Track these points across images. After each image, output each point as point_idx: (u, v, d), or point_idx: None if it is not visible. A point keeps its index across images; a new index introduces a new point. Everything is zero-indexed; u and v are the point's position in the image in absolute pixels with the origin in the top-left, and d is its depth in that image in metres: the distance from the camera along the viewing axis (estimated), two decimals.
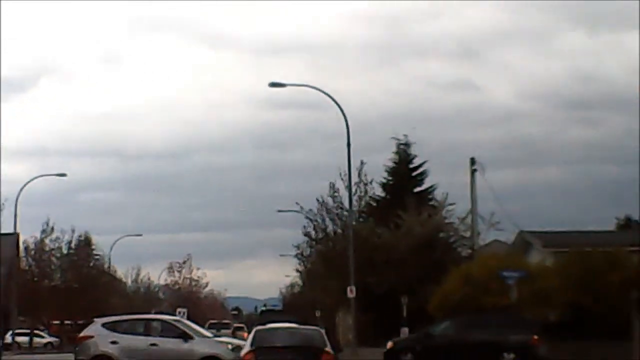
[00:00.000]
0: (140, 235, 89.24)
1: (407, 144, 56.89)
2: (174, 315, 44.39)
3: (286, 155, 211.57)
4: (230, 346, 27.83)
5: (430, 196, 55.57)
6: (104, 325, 28.35)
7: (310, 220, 55.60)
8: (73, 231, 72.75)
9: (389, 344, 34.58)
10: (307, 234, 57.77)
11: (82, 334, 29.02)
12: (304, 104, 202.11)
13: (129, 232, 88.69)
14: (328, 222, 54.91)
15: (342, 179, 49.54)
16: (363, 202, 54.59)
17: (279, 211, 63.49)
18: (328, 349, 21.56)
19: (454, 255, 48.98)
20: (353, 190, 46.50)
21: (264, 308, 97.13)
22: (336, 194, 53.32)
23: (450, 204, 51.33)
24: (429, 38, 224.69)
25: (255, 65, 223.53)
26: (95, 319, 29.17)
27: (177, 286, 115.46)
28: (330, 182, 52.95)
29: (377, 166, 57.19)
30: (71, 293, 70.54)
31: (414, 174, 57.04)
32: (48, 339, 73.21)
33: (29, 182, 61.81)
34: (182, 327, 28.59)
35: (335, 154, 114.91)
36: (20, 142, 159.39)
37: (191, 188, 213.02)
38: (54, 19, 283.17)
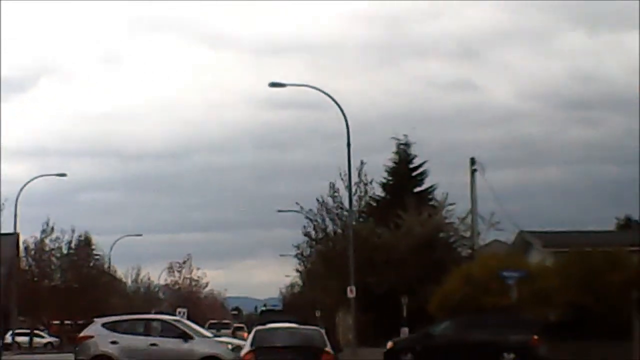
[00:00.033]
0: (140, 235, 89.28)
1: (407, 144, 56.91)
2: (174, 315, 44.39)
3: (286, 155, 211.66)
4: (230, 346, 27.81)
5: (430, 196, 55.55)
6: (104, 325, 28.32)
7: (310, 220, 55.61)
8: (73, 231, 72.84)
9: (389, 344, 34.55)
10: (307, 234, 57.75)
11: (82, 334, 28.99)
12: (304, 104, 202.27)
13: (129, 232, 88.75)
14: (328, 222, 54.89)
15: (342, 179, 49.57)
16: (363, 202, 54.55)
17: (279, 211, 63.54)
18: (328, 349, 21.54)
19: (454, 255, 48.95)
20: (353, 190, 46.47)
21: (263, 308, 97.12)
22: (336, 194, 53.34)
23: (450, 204, 51.38)
24: (429, 38, 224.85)
25: (255, 65, 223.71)
26: (95, 319, 29.15)
27: (177, 286, 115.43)
28: (330, 182, 52.98)
29: (377, 166, 57.24)
30: (71, 293, 70.52)
31: (414, 174, 57.01)
32: (48, 339, 73.19)
33: (28, 182, 61.87)
34: (182, 327, 28.55)
35: (335, 154, 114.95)
36: (20, 142, 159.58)
37: (191, 188, 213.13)
38: (54, 19, 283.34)
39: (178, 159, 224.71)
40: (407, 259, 48.49)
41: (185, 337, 27.90)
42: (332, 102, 41.18)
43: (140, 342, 27.78)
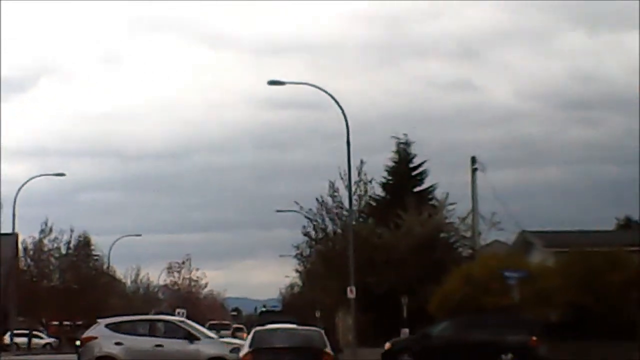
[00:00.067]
0: (139, 235, 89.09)
1: (407, 143, 56.67)
2: (173, 315, 44.21)
3: (286, 155, 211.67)
4: (229, 347, 27.58)
5: (430, 196, 55.34)
6: (107, 326, 28.03)
7: (310, 220, 55.43)
8: (72, 231, 72.73)
9: (387, 345, 34.37)
10: (306, 234, 57.58)
11: (85, 335, 28.66)
12: (304, 104, 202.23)
13: (129, 233, 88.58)
14: (328, 222, 54.73)
15: (342, 178, 49.41)
16: (363, 202, 54.38)
17: (278, 211, 63.33)
18: (328, 349, 21.36)
19: (454, 256, 48.78)
20: (353, 189, 46.31)
21: (263, 309, 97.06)
22: (336, 193, 53.18)
23: (451, 204, 51.16)
24: (429, 38, 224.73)
25: (255, 65, 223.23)
26: (98, 320, 28.85)
27: (176, 287, 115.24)
28: (330, 181, 52.82)
29: (377, 166, 57.04)
30: (70, 294, 70.40)
31: (414, 173, 56.80)
32: (47, 339, 73.03)
33: (26, 182, 61.67)
34: (187, 328, 28.26)
35: (335, 154, 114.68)
36: (20, 142, 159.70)
37: (191, 188, 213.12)
38: (54, 19, 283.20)
39: (178, 159, 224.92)
40: (407, 259, 48.30)
41: (191, 338, 27.61)
42: (332, 102, 41.05)
43: (145, 343, 27.47)
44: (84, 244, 75.54)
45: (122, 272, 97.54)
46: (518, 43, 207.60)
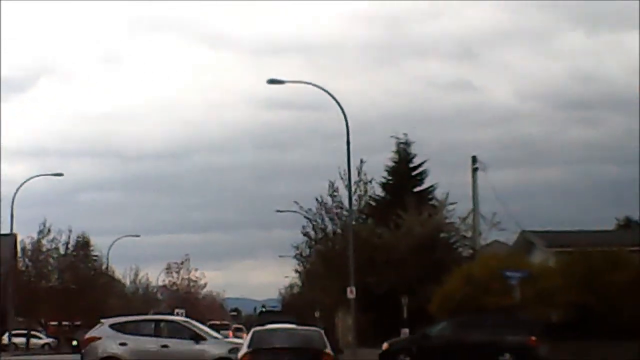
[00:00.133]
0: (138, 236, 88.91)
1: (407, 143, 56.39)
2: (172, 316, 43.99)
3: (286, 155, 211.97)
4: (229, 346, 27.27)
5: (430, 196, 55.09)
6: (111, 326, 27.61)
7: (309, 220, 55.21)
8: (70, 232, 72.55)
9: (385, 346, 34.19)
10: (306, 234, 57.36)
11: (88, 335, 28.23)
12: (303, 104, 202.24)
13: (129, 233, 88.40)
14: (327, 222, 54.51)
15: (341, 178, 49.17)
16: (363, 202, 54.14)
17: (278, 211, 63.12)
18: (328, 350, 21.09)
19: (454, 256, 48.59)
20: (353, 189, 46.08)
21: (262, 309, 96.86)
22: (335, 193, 52.95)
23: (451, 203, 50.95)
24: (429, 38, 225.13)
25: (255, 65, 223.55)
26: (102, 320, 28.46)
27: (174, 287, 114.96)
28: (330, 181, 52.59)
29: (377, 166, 56.77)
30: (69, 294, 70.25)
31: (414, 173, 56.53)
32: (45, 339, 72.85)
33: (25, 182, 61.44)
34: (193, 329, 27.91)
35: (335, 154, 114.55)
36: (20, 142, 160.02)
37: (191, 188, 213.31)
38: (54, 19, 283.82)
39: (178, 159, 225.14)
40: (407, 259, 48.07)
41: (197, 338, 27.26)
42: (332, 102, 40.75)
43: (150, 343, 27.05)
44: (83, 244, 75.40)
45: (121, 272, 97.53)
46: (518, 43, 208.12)
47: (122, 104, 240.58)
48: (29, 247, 69.36)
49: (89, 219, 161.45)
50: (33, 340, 69.87)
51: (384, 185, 56.50)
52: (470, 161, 42.70)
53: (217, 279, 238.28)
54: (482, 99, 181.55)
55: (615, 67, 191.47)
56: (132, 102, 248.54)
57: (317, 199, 54.26)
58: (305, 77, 43.32)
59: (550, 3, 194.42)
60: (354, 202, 47.98)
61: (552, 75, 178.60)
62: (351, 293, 39.23)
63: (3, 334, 61.23)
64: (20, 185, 60.50)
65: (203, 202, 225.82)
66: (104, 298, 75.96)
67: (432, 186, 56.12)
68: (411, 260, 47.91)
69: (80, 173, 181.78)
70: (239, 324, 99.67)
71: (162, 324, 28.38)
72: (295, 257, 68.67)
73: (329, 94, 40.79)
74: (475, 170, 42.34)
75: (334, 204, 53.47)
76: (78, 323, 74.99)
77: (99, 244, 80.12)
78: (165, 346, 27.02)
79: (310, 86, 41.61)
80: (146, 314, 55.93)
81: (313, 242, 58.59)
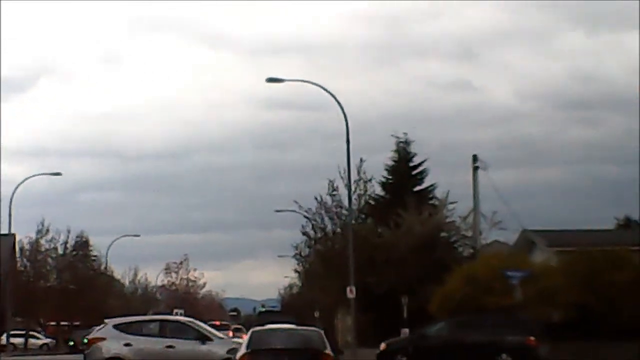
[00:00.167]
0: (137, 235, 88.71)
1: (406, 142, 56.12)
2: (171, 315, 43.75)
3: (286, 155, 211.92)
4: (227, 347, 26.98)
5: (430, 195, 54.86)
6: (115, 326, 27.31)
7: (309, 219, 55.00)
8: (69, 231, 72.34)
9: (382, 346, 33.99)
10: (305, 233, 57.16)
11: (92, 336, 27.98)
12: (303, 104, 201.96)
13: (128, 233, 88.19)
14: (327, 221, 54.29)
15: (341, 177, 48.97)
16: (362, 201, 53.90)
17: (277, 211, 62.94)
18: (328, 350, 20.82)
19: (455, 255, 48.41)
20: (352, 188, 45.89)
21: (262, 309, 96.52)
22: (335, 192, 52.74)
23: (452, 202, 50.73)
24: (429, 38, 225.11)
25: (254, 66, 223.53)
26: (106, 320, 28.15)
27: (173, 287, 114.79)
28: (329, 180, 52.37)
29: (377, 166, 56.52)
30: (68, 294, 70.04)
31: (414, 172, 56.28)
32: (44, 340, 72.63)
33: (23, 181, 61.19)
34: (199, 329, 27.60)
35: (335, 154, 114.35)
36: (20, 142, 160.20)
37: (191, 188, 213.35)
38: (54, 19, 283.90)
39: (178, 159, 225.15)
40: (407, 258, 47.85)
41: (203, 338, 26.95)
42: (332, 102, 40.57)
43: (155, 344, 26.72)
44: (82, 244, 75.19)
45: (120, 272, 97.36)
46: (518, 43, 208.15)
47: (122, 104, 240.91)
48: (27, 247, 69.14)
49: (88, 219, 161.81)
50: (31, 341, 69.66)
51: (383, 185, 56.24)
52: (470, 160, 42.50)
53: (217, 279, 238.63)
54: (482, 99, 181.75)
55: (615, 67, 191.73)
56: (132, 102, 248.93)
57: (316, 198, 54.11)
58: (305, 77, 43.08)
59: (550, 3, 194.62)
60: (353, 201, 47.82)
61: (552, 75, 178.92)
62: (351, 293, 39.04)
63: (1, 334, 61.02)
64: (19, 185, 60.28)
65: (203, 202, 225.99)
66: (103, 298, 75.83)
67: (432, 185, 55.92)
68: (411, 260, 47.69)
69: (80, 173, 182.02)
70: (238, 324, 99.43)
71: (167, 324, 28.05)
72: (294, 256, 68.55)
73: (326, 90, 40.60)
74: (476, 168, 42.14)
75: (334, 203, 53.31)
76: (77, 323, 74.84)
77: (98, 244, 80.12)
78: (170, 347, 26.68)
79: (310, 86, 41.41)
80: (145, 314, 55.74)
81: (312, 242, 58.38)
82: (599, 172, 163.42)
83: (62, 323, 78.12)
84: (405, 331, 42.39)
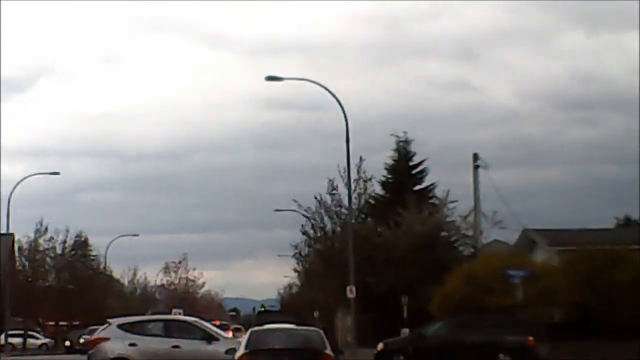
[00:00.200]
0: (137, 235, 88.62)
1: (406, 141, 55.94)
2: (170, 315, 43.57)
3: (286, 155, 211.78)
4: (225, 347, 26.78)
5: (430, 194, 54.69)
6: (120, 326, 26.92)
7: (308, 218, 54.87)
8: (67, 231, 72.19)
9: (380, 346, 33.79)
10: (305, 233, 57.04)
11: (95, 336, 27.64)
12: (303, 104, 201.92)
13: (128, 233, 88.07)
14: (327, 220, 54.18)
15: (341, 176, 48.84)
16: (362, 200, 53.77)
17: (277, 210, 62.84)
18: (327, 350, 20.64)
19: (455, 255, 48.25)
20: (352, 187, 45.76)
21: (261, 309, 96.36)
22: (335, 191, 52.62)
23: (452, 202, 50.56)
24: (429, 38, 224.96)
25: (255, 66, 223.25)
26: (109, 320, 27.81)
27: (172, 286, 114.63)
28: (329, 179, 52.23)
29: (377, 166, 56.39)
30: (66, 294, 69.88)
31: (414, 171, 56.11)
32: (42, 340, 72.46)
33: (21, 180, 61.08)
34: (205, 329, 27.28)
35: (335, 154, 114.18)
36: (20, 142, 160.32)
37: (191, 188, 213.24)
38: (54, 19, 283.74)
39: (178, 159, 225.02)
40: (407, 258, 47.70)
41: (210, 338, 26.60)
42: (332, 102, 40.44)
43: (161, 344, 26.35)
44: (81, 243, 75.05)
45: (120, 272, 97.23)
46: (518, 43, 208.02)
47: (122, 104, 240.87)
48: (25, 246, 68.98)
49: (88, 219, 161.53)
50: (30, 341, 69.51)
51: (383, 184, 56.08)
52: (471, 159, 42.34)
53: (217, 279, 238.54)
54: (482, 99, 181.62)
55: (615, 67, 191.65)
56: (132, 102, 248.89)
57: (316, 198, 53.97)
58: (305, 77, 42.85)
59: (550, 3, 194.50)
60: (353, 200, 47.70)
61: (552, 75, 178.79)
62: (351, 292, 38.90)
63: (0, 334, 60.87)
64: (17, 185, 60.16)
65: (203, 202, 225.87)
66: (102, 298, 75.74)
67: (432, 184, 55.74)
68: (411, 259, 47.54)
69: (80, 173, 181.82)
70: (237, 324, 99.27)
71: (172, 324, 27.78)
72: (294, 256, 68.44)
73: (326, 88, 40.48)
74: (476, 167, 41.99)
75: (333, 203, 53.19)
76: (76, 323, 74.67)
77: (98, 244, 80.00)
78: (176, 347, 26.34)
79: (310, 86, 41.36)
80: (144, 314, 55.61)
81: (312, 241, 58.26)
82: (599, 172, 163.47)
83: (61, 323, 77.92)
84: (406, 331, 42.23)
